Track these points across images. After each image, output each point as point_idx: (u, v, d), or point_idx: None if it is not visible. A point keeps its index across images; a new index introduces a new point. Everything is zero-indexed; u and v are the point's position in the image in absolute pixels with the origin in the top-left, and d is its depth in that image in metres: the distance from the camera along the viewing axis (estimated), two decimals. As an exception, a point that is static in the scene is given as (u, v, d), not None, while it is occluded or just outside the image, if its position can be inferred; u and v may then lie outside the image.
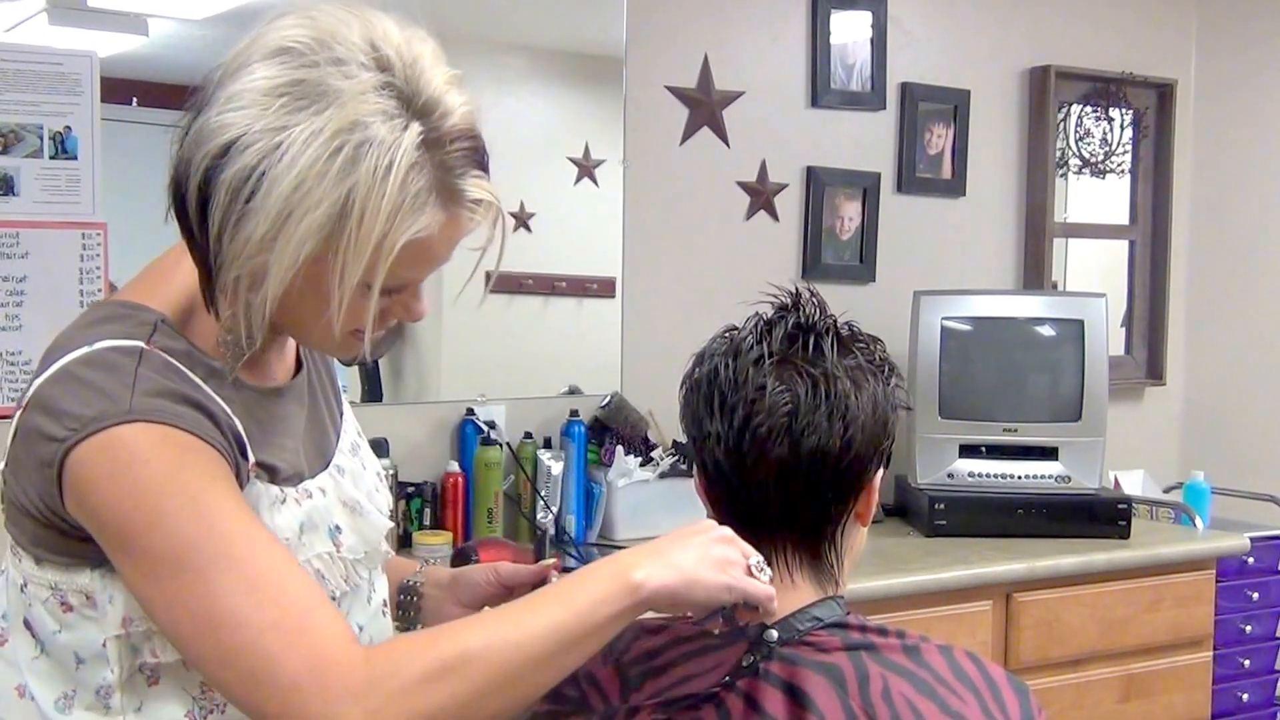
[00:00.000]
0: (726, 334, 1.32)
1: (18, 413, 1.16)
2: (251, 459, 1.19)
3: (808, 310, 1.30)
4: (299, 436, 1.30)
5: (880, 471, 1.31)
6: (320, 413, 1.36)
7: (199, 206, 1.12)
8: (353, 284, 1.11)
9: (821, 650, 1.25)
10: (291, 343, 1.33)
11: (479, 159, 1.16)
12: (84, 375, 1.12)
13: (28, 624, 1.20)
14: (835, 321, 1.31)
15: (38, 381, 1.15)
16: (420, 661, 1.07)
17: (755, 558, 1.20)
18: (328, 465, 1.33)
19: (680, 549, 1.16)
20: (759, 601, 1.19)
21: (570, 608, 1.12)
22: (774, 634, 1.25)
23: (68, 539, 1.14)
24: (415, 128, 1.11)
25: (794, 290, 1.33)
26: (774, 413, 1.24)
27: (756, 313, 1.32)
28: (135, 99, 2.56)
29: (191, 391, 1.15)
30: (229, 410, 1.18)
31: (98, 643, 1.17)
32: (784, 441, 1.24)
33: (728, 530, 1.21)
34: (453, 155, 1.13)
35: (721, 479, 1.29)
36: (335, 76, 1.10)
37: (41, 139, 2.43)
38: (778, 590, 1.27)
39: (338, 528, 1.29)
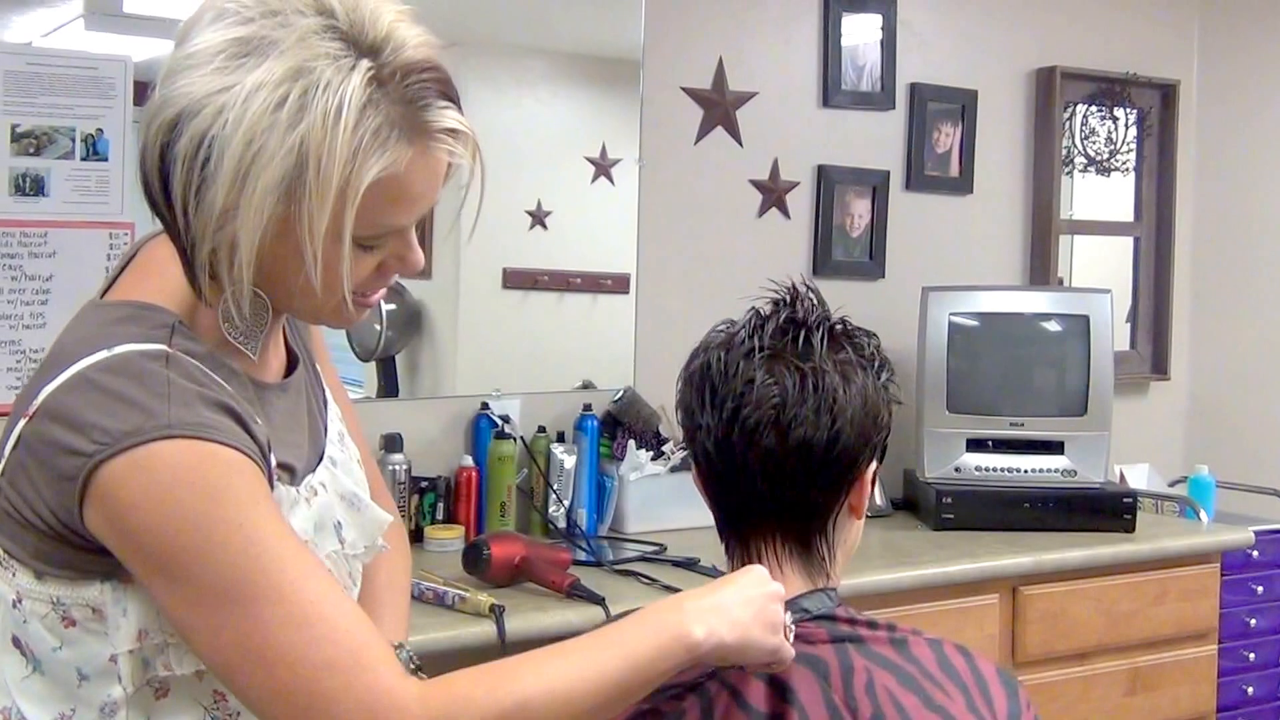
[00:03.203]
0: (724, 328, 1.34)
1: (20, 421, 1.08)
2: (274, 461, 1.14)
3: (803, 305, 1.32)
4: (304, 431, 1.26)
5: (874, 464, 1.32)
6: (312, 403, 1.31)
7: (161, 185, 1.08)
8: (321, 234, 1.05)
9: (807, 642, 1.25)
10: (282, 335, 1.29)
11: (443, 90, 1.10)
12: (108, 384, 1.04)
13: (18, 642, 1.12)
14: (829, 317, 1.32)
15: (49, 388, 1.06)
16: (479, 709, 1.05)
17: (788, 616, 1.20)
18: (321, 457, 1.28)
19: (741, 604, 1.15)
20: (784, 663, 1.20)
21: (630, 659, 1.10)
22: None
23: (78, 552, 1.07)
24: (364, 65, 1.05)
25: (792, 285, 1.34)
26: (762, 405, 1.26)
27: (753, 307, 1.34)
28: (167, 102, 2.59)
29: (223, 396, 1.09)
30: (253, 412, 1.13)
31: (103, 658, 1.10)
32: (771, 433, 1.25)
33: (779, 586, 1.20)
34: (413, 88, 1.07)
35: (712, 470, 1.31)
36: (272, 28, 1.05)
37: (74, 141, 2.41)
38: None
39: (340, 524, 1.26)
